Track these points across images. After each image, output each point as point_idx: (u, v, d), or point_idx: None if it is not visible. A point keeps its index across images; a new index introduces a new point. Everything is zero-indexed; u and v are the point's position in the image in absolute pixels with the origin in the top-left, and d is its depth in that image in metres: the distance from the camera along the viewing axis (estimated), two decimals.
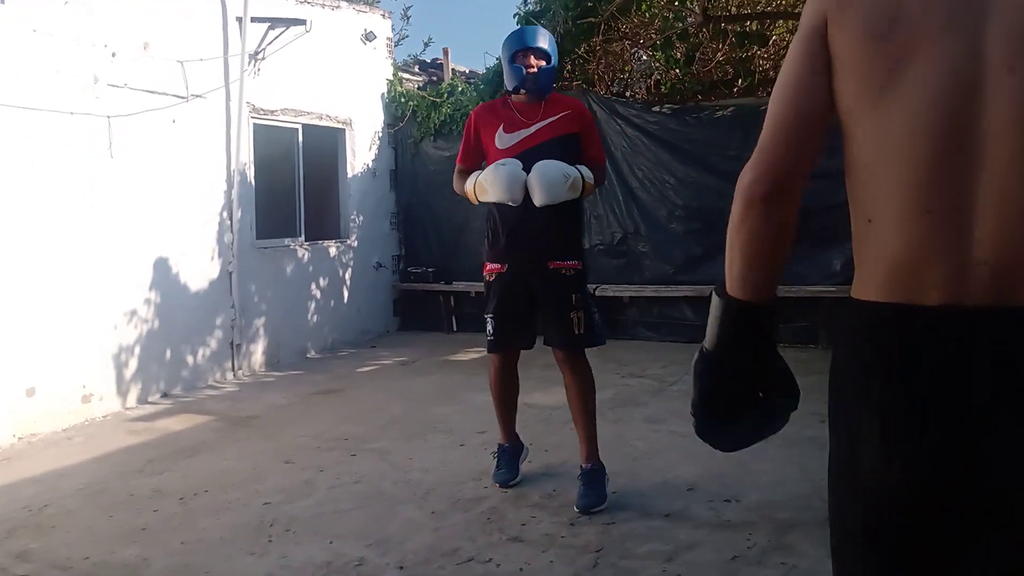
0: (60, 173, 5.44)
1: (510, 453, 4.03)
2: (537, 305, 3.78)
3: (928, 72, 1.17)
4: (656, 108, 7.98)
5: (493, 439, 4.62)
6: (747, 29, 8.35)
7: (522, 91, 3.72)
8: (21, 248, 5.18)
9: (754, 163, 1.31)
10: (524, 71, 3.68)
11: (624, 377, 6.28)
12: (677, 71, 8.33)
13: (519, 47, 3.72)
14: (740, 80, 8.16)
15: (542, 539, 3.31)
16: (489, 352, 3.91)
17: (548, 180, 3.53)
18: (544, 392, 5.40)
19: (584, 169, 3.66)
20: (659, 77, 8.51)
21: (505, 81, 3.83)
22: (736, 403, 1.41)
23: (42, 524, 3.71)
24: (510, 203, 3.56)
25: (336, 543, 3.36)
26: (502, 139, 3.73)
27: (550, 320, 3.76)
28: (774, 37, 8.37)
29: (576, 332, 3.68)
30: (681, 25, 8.12)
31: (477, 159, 3.89)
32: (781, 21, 8.47)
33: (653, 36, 8.47)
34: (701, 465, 4.10)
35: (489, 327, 3.82)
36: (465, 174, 3.88)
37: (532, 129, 3.69)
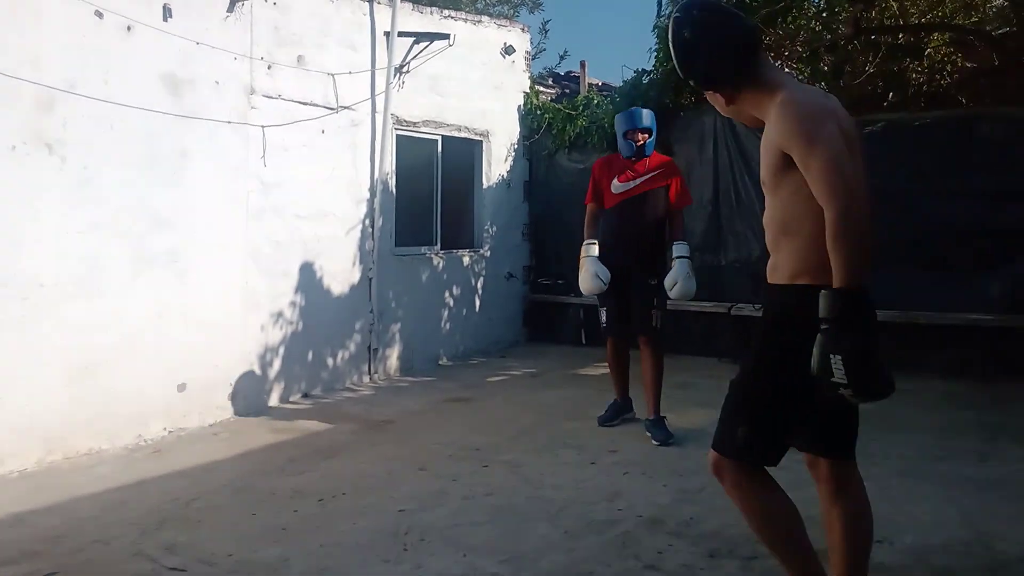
0: (217, 179, 5.72)
1: (619, 406, 5.42)
2: (631, 303, 5.19)
3: None
4: None
5: (625, 459, 4.60)
6: (901, 41, 7.96)
7: (632, 158, 5.21)
8: (178, 250, 5.47)
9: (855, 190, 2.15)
10: (635, 145, 5.17)
11: None
12: (823, 84, 8.01)
13: (630, 127, 5.18)
14: (891, 94, 7.77)
15: (680, 570, 3.21)
16: (605, 335, 5.40)
17: (688, 291, 5.03)
18: (679, 414, 5.31)
19: (683, 248, 5.09)
20: None
21: (619, 148, 5.29)
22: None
23: (189, 518, 3.87)
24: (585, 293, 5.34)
25: (470, 556, 3.37)
26: (616, 187, 5.25)
27: (637, 314, 5.18)
28: (929, 50, 7.93)
29: (654, 325, 5.13)
30: (830, 37, 7.82)
31: (599, 198, 5.34)
32: (937, 33, 8.02)
33: (799, 48, 8.20)
34: None
35: (603, 317, 5.34)
36: (592, 214, 5.36)
37: (637, 182, 5.22)
